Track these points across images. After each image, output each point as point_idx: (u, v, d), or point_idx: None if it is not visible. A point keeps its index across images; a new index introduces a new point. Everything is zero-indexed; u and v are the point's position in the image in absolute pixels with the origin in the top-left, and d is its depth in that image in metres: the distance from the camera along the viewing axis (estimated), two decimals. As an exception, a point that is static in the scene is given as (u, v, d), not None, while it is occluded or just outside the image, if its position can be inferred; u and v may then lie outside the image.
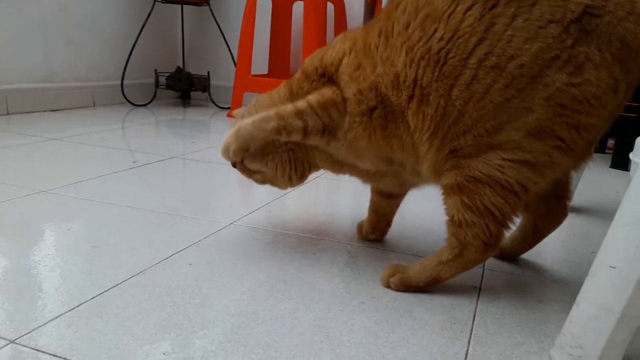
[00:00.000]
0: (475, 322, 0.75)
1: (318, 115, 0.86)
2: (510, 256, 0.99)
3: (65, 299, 0.75)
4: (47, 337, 0.66)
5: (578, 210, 1.34)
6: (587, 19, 0.67)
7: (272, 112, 0.87)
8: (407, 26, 0.78)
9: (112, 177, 1.42)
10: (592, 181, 1.65)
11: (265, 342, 0.67)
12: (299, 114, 0.86)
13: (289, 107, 0.87)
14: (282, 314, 0.75)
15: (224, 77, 3.08)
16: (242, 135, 0.87)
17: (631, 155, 1.65)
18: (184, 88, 2.97)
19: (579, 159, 0.79)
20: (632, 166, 1.58)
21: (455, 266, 0.81)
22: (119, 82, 2.77)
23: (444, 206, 0.81)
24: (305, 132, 0.87)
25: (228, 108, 2.79)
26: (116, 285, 0.80)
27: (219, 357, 0.64)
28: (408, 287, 0.83)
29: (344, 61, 0.86)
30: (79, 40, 2.62)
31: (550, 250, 1.04)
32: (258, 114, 0.90)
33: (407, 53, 0.77)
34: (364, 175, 0.96)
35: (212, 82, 3.00)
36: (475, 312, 0.78)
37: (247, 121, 0.88)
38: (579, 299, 0.63)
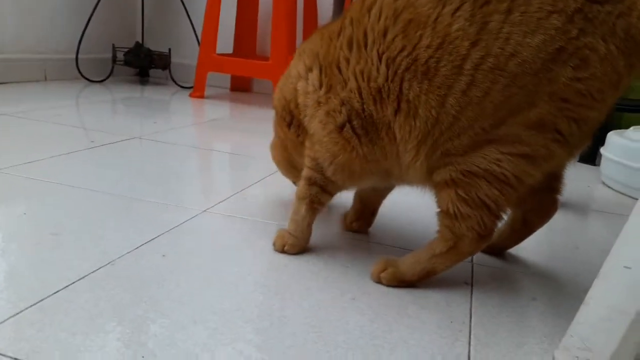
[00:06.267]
0: (473, 320, 0.72)
1: (316, 171, 0.86)
2: (497, 250, 0.96)
3: (25, 294, 0.67)
4: (6, 337, 0.58)
5: (553, 203, 1.33)
6: (588, 6, 0.64)
7: (295, 201, 0.89)
8: (385, 33, 0.72)
9: (69, 157, 1.31)
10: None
11: (254, 343, 0.62)
12: (309, 182, 0.87)
13: (300, 184, 0.89)
14: (270, 311, 0.69)
15: (186, 54, 2.95)
16: (296, 236, 0.88)
17: (602, 150, 1.67)
18: (142, 65, 2.82)
19: (575, 149, 0.76)
20: (603, 160, 1.61)
21: (449, 258, 0.78)
22: (74, 55, 2.59)
23: (435, 198, 0.78)
24: (325, 190, 0.88)
25: (190, 87, 2.66)
26: (83, 277, 0.72)
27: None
28: (400, 282, 0.79)
29: (299, 86, 0.84)
30: (28, 8, 2.43)
31: (533, 245, 1.02)
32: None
33: (387, 65, 0.72)
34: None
35: (173, 59, 2.86)
36: (470, 309, 0.75)
37: (290, 223, 0.89)
38: (587, 299, 0.60)
